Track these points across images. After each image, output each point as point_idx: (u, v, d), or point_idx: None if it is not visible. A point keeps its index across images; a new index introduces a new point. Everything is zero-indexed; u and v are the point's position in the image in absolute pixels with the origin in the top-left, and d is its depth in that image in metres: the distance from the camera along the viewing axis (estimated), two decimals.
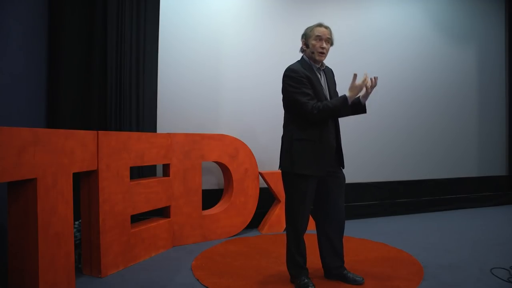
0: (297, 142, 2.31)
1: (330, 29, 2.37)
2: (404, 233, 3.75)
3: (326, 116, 2.28)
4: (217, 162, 3.67)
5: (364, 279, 2.44)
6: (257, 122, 4.11)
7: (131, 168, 2.91)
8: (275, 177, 3.77)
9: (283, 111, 2.46)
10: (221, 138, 3.62)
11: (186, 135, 3.42)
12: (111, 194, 2.64)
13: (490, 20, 5.40)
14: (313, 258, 2.59)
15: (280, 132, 2.49)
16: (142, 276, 2.60)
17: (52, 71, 3.21)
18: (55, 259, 2.10)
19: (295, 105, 2.30)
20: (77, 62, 3.27)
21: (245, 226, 3.71)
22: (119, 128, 3.31)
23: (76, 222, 2.74)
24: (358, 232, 3.66)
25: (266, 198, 3.90)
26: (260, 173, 3.80)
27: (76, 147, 2.32)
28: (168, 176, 3.29)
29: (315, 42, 2.33)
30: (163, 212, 3.31)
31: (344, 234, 2.50)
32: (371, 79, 2.24)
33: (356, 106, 2.34)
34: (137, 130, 3.39)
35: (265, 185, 3.84)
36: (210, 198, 3.73)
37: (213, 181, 3.94)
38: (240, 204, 3.67)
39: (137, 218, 3.15)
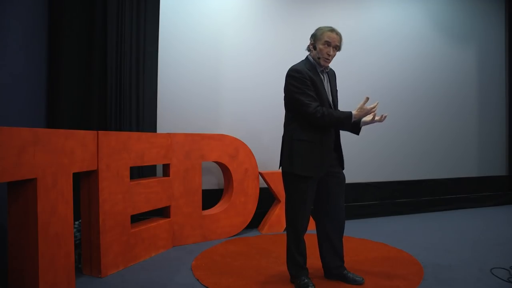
0: (297, 142, 2.31)
1: (341, 35, 2.35)
2: (404, 233, 3.75)
3: (327, 123, 2.29)
4: (217, 162, 3.67)
5: (364, 279, 2.44)
6: (257, 122, 4.11)
7: (131, 168, 2.91)
8: (275, 177, 3.77)
9: (284, 110, 2.45)
10: (221, 138, 3.62)
11: (186, 135, 3.42)
12: (111, 194, 2.64)
13: (490, 20, 5.40)
14: (313, 258, 2.60)
15: (280, 132, 2.49)
16: (142, 276, 2.60)
17: (52, 71, 3.21)
18: (55, 259, 2.10)
19: (297, 105, 2.30)
20: (77, 62, 3.27)
21: (245, 226, 3.71)
22: (119, 128, 3.31)
23: (76, 222, 2.74)
24: (358, 232, 3.66)
25: (266, 198, 3.90)
26: (260, 173, 3.80)
27: (76, 147, 2.32)
28: (168, 176, 3.29)
29: (322, 47, 2.32)
30: (163, 212, 3.31)
31: (344, 234, 2.50)
32: (382, 115, 2.37)
33: (353, 125, 2.40)
34: (137, 130, 3.39)
35: (265, 185, 3.84)
36: (210, 198, 3.73)
37: (213, 181, 3.94)
38: (240, 204, 3.67)
39: (137, 218, 3.15)
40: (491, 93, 5.43)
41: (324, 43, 2.31)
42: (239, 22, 4.10)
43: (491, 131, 5.43)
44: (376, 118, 2.39)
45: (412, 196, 4.82)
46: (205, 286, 2.42)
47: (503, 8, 5.47)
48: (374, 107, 2.28)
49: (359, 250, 3.15)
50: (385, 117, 2.39)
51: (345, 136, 2.53)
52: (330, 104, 2.37)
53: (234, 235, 3.62)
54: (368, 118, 2.38)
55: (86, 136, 2.45)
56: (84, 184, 2.61)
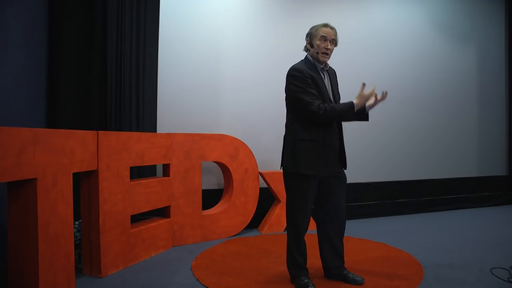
0: (300, 142, 2.31)
1: (335, 29, 2.37)
2: (404, 233, 3.75)
3: (331, 119, 2.29)
4: (217, 162, 3.67)
5: (364, 279, 2.44)
6: (257, 122, 4.11)
7: (131, 168, 2.91)
8: (275, 177, 3.77)
9: (285, 110, 2.45)
10: (221, 138, 3.62)
11: (186, 135, 3.42)
12: (111, 194, 2.64)
13: (490, 20, 5.40)
14: (313, 258, 2.60)
15: (280, 131, 2.48)
16: (142, 276, 2.60)
17: (52, 71, 3.21)
18: (55, 259, 2.10)
19: (299, 105, 2.30)
20: (77, 62, 3.27)
21: (245, 226, 3.71)
22: (119, 128, 3.31)
23: (76, 222, 2.74)
24: (358, 232, 3.66)
25: (266, 198, 3.90)
26: (260, 173, 3.80)
27: (76, 147, 2.32)
28: (168, 176, 3.29)
29: (319, 42, 2.33)
30: (163, 212, 3.31)
31: (344, 234, 2.50)
32: (382, 92, 2.28)
33: (360, 114, 2.34)
34: (137, 130, 3.39)
35: (265, 185, 3.84)
36: (210, 198, 3.73)
37: (213, 181, 3.94)
38: (240, 204, 3.67)
39: (137, 218, 3.15)
40: (491, 93, 5.43)
41: (320, 38, 2.32)
42: (239, 22, 4.10)
43: (491, 131, 5.43)
44: (378, 97, 2.30)
45: (412, 196, 4.81)
46: (205, 286, 2.42)
47: (503, 8, 5.47)
48: (371, 92, 2.27)
49: (359, 250, 3.15)
50: (386, 93, 2.29)
51: (345, 136, 2.52)
52: (331, 102, 2.37)
53: (234, 235, 3.62)
54: (370, 101, 2.31)
55: (86, 136, 2.45)
56: (84, 184, 2.61)
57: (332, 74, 2.49)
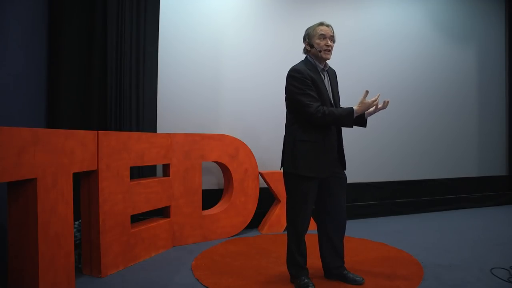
0: (300, 143, 2.31)
1: (331, 26, 2.38)
2: (404, 233, 3.75)
3: (329, 122, 2.29)
4: (217, 162, 3.67)
5: (364, 279, 2.44)
6: (257, 122, 4.11)
7: (131, 168, 2.91)
8: (275, 177, 3.77)
9: (285, 111, 2.45)
10: (221, 138, 3.62)
11: (186, 135, 3.42)
12: (111, 194, 2.64)
13: (490, 20, 5.40)
14: (313, 258, 2.60)
15: (280, 132, 2.48)
16: (142, 276, 2.60)
17: (52, 71, 3.21)
18: (55, 259, 2.10)
19: (298, 106, 2.30)
20: (77, 62, 3.27)
21: (245, 226, 3.71)
22: (119, 128, 3.31)
23: (76, 222, 2.74)
24: (358, 232, 3.66)
25: (266, 198, 3.90)
26: (260, 173, 3.80)
27: (76, 147, 2.32)
28: (168, 176, 3.29)
29: (319, 41, 2.33)
30: (163, 212, 3.31)
31: (345, 234, 2.50)
32: (384, 101, 2.28)
33: (358, 119, 2.35)
34: (137, 130, 3.39)
35: (265, 185, 3.84)
36: (210, 198, 3.73)
37: (213, 181, 3.94)
38: (240, 204, 3.67)
39: (137, 218, 3.15)
40: (491, 93, 5.43)
41: (319, 36, 2.33)
42: (239, 22, 4.10)
43: (491, 131, 5.43)
44: (379, 106, 2.30)
45: (412, 196, 4.81)
46: (205, 286, 2.42)
47: (503, 8, 5.47)
48: (375, 100, 2.27)
49: (359, 250, 3.15)
50: (388, 102, 2.29)
51: (345, 136, 2.53)
52: (331, 103, 2.37)
53: (234, 235, 3.62)
54: (371, 109, 2.32)
55: (86, 136, 2.45)
56: (84, 184, 2.61)
57: (332, 74, 2.49)
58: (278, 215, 3.80)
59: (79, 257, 2.67)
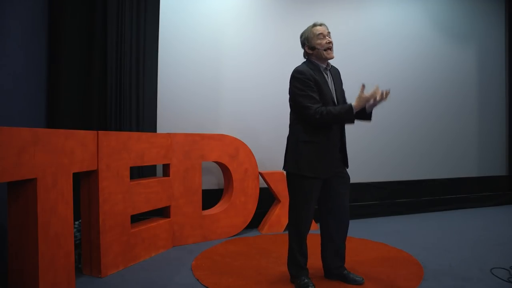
0: (303, 143, 2.31)
1: (325, 24, 2.40)
2: (404, 233, 3.75)
3: (328, 122, 2.28)
4: (217, 162, 3.67)
5: (364, 279, 2.44)
6: (257, 122, 4.11)
7: (131, 168, 2.91)
8: (275, 177, 3.77)
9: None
10: (221, 138, 3.62)
11: (186, 135, 3.42)
12: (111, 194, 2.64)
13: (490, 20, 5.40)
14: (313, 258, 2.59)
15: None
16: (142, 276, 2.60)
17: (52, 71, 3.21)
18: (55, 259, 2.10)
19: (298, 107, 2.31)
20: (77, 62, 3.27)
21: (245, 226, 3.71)
22: (119, 128, 3.31)
23: (76, 222, 2.74)
24: (358, 232, 3.66)
25: (266, 198, 3.90)
26: (260, 173, 3.80)
27: (76, 147, 2.32)
28: (168, 176, 3.29)
29: (320, 40, 2.34)
30: (163, 212, 3.31)
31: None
32: (382, 92, 2.21)
33: (362, 113, 2.31)
34: (137, 130, 3.39)
35: (265, 185, 3.84)
36: (210, 198, 3.73)
37: (213, 181, 3.94)
38: (240, 204, 3.67)
39: (137, 218, 3.15)
40: (491, 93, 5.43)
41: (319, 36, 2.34)
42: (239, 22, 4.10)
43: (491, 131, 5.43)
44: (378, 98, 2.23)
45: (412, 196, 4.81)
46: (205, 286, 2.42)
47: (503, 8, 5.47)
48: (374, 93, 2.21)
49: (359, 250, 3.15)
50: (387, 93, 2.22)
51: (346, 136, 2.53)
52: (334, 103, 2.36)
53: (234, 235, 3.62)
54: (372, 102, 2.25)
55: (86, 136, 2.45)
56: (84, 184, 2.61)
57: (335, 73, 2.48)
58: (278, 215, 3.80)
59: (79, 257, 2.67)
